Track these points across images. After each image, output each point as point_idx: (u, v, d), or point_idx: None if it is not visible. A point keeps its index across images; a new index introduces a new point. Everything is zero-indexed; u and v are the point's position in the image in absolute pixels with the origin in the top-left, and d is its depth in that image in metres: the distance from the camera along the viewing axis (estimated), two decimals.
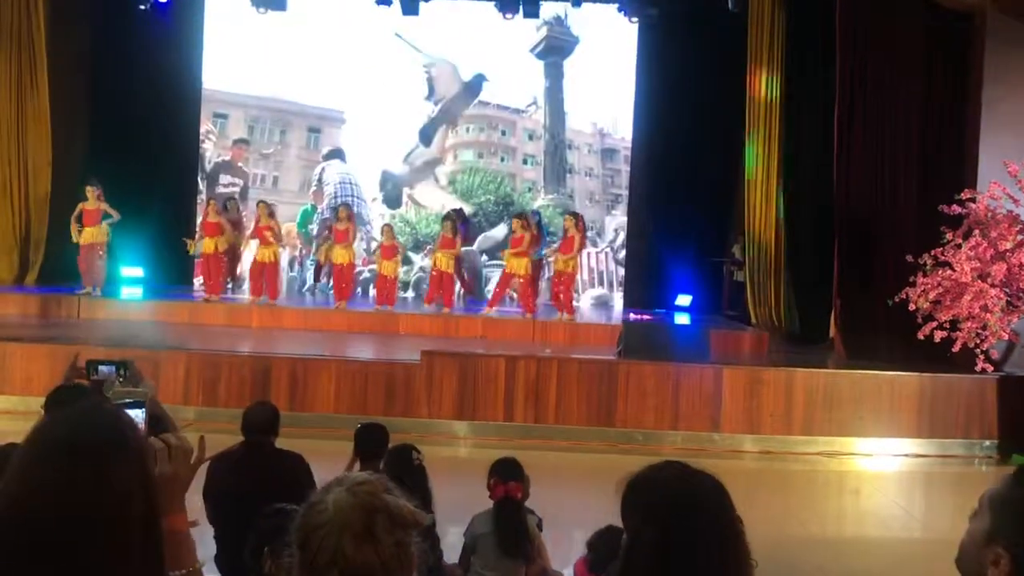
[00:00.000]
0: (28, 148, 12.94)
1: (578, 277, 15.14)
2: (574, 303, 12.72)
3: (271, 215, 12.53)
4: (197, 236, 12.98)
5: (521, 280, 12.15)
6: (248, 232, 13.10)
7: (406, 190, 15.50)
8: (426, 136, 15.44)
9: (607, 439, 8.56)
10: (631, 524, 1.67)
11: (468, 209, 14.96)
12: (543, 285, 13.29)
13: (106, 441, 1.44)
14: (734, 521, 1.65)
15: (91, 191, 12.05)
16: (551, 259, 12.47)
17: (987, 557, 1.50)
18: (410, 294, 14.75)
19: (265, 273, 12.40)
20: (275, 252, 12.47)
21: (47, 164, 12.98)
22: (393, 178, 15.49)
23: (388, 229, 12.77)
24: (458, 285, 12.95)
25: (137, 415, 2.16)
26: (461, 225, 12.92)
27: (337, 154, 15.49)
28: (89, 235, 12.01)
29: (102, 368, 2.97)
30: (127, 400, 2.21)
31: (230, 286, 13.52)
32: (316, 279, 14.12)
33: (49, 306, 11.65)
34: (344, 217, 12.37)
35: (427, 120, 15.41)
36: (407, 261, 14.33)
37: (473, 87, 15.39)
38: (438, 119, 15.45)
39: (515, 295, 12.90)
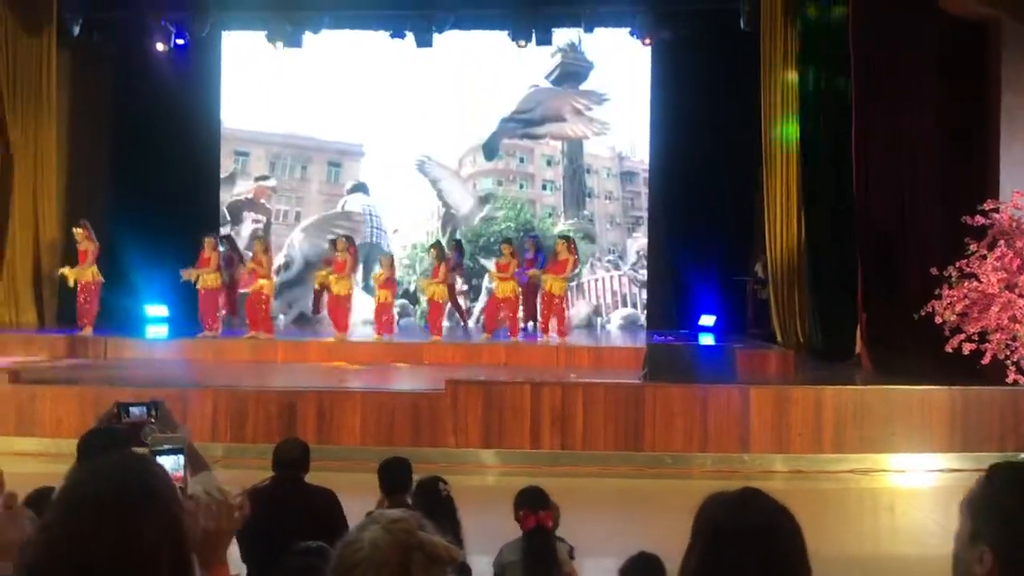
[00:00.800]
0: (41, 191, 13.14)
1: (603, 300, 15.18)
2: (566, 323, 12.70)
3: (266, 250, 12.52)
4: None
5: (504, 303, 12.19)
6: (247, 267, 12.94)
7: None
8: (490, 150, 15.57)
9: (635, 463, 8.48)
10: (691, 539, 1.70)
11: (487, 237, 15.02)
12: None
13: (135, 493, 1.47)
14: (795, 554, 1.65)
15: (79, 232, 12.15)
16: (540, 280, 12.42)
17: (973, 558, 1.53)
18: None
19: (259, 307, 12.24)
20: (259, 286, 12.20)
21: (56, 206, 13.20)
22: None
23: (385, 259, 12.71)
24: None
25: (177, 461, 2.17)
26: (456, 254, 12.95)
27: (360, 187, 15.63)
28: (81, 274, 12.07)
29: (133, 410, 2.98)
30: (166, 447, 2.22)
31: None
32: (315, 310, 13.97)
33: (76, 347, 11.74)
34: (342, 248, 12.32)
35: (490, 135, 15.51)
36: None
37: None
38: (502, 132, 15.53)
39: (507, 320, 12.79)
